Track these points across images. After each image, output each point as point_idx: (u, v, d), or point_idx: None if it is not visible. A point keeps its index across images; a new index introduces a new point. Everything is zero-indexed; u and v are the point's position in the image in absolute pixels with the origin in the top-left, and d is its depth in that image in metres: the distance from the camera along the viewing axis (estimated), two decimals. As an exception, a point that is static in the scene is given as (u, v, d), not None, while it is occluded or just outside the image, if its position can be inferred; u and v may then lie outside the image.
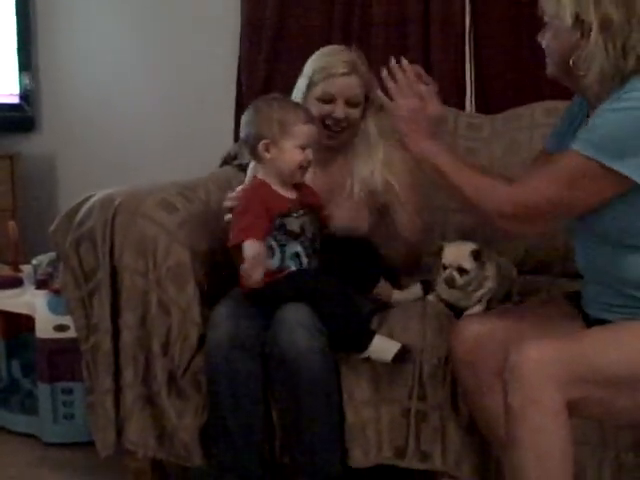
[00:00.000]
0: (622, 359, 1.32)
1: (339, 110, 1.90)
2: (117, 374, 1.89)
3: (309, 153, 1.77)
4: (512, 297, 1.90)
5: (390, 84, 1.56)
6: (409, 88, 1.56)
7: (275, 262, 1.76)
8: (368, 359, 1.72)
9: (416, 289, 1.88)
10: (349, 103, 1.91)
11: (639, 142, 1.32)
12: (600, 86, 1.41)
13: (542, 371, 1.28)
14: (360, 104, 1.93)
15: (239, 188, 1.86)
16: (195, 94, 2.81)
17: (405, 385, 1.74)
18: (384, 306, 1.86)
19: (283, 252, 1.76)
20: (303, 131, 1.76)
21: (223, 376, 1.76)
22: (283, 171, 1.77)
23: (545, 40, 1.49)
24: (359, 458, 1.76)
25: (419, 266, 1.99)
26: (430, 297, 1.86)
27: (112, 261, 1.88)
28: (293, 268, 1.77)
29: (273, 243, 1.75)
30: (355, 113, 1.93)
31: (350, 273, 1.81)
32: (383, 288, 1.88)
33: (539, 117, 2.27)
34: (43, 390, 2.25)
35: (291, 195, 1.78)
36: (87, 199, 1.96)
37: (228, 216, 1.82)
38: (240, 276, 1.73)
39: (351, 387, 1.76)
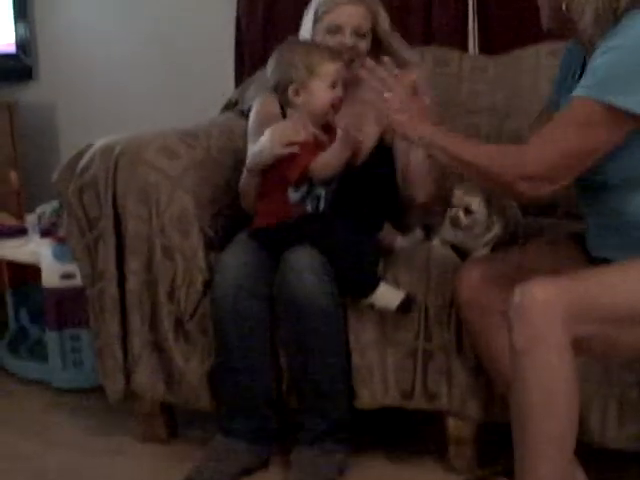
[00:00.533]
0: (626, 296, 1.32)
1: (347, 38, 1.86)
2: (124, 320, 1.91)
3: (339, 90, 1.78)
4: (518, 239, 1.89)
5: (374, 83, 1.54)
6: (394, 81, 1.53)
7: (296, 197, 1.77)
8: (372, 306, 1.73)
9: (418, 234, 1.88)
10: (357, 33, 1.87)
11: (637, 76, 1.30)
12: (595, 28, 1.38)
13: (547, 310, 1.28)
14: (367, 35, 1.89)
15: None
16: (194, 40, 2.76)
17: (411, 327, 1.75)
18: (389, 251, 1.86)
19: (308, 191, 1.77)
20: (329, 69, 1.76)
21: (230, 319, 1.77)
22: (316, 112, 1.78)
23: None
24: (366, 400, 1.78)
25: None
26: (435, 241, 1.86)
27: (115, 208, 1.88)
28: (309, 209, 1.78)
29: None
30: (363, 44, 1.89)
31: (358, 215, 1.81)
32: (388, 232, 1.87)
33: (543, 59, 2.23)
34: (52, 337, 2.27)
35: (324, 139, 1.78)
36: (88, 147, 1.95)
37: (280, 150, 1.75)
38: (257, 210, 1.78)
39: (357, 330, 1.78)
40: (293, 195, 1.77)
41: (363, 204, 1.85)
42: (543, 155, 1.38)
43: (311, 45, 1.84)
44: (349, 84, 1.90)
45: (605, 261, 1.47)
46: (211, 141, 2.08)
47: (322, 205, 1.79)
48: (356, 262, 1.73)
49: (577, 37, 1.46)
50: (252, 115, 2.00)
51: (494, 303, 1.53)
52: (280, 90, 1.80)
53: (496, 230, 1.82)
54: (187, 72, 2.78)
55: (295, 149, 1.73)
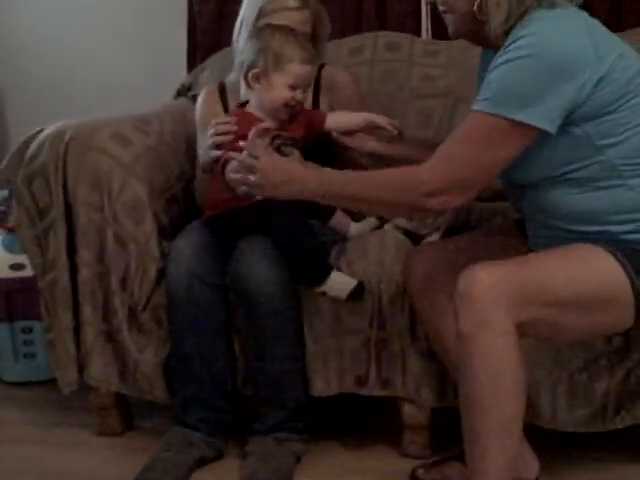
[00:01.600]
0: (568, 280, 1.33)
1: None
2: (76, 311, 1.88)
3: (298, 94, 1.73)
4: (470, 224, 1.91)
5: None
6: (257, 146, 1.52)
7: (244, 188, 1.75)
8: (324, 294, 1.73)
9: (372, 219, 1.87)
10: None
11: (531, 89, 1.30)
12: (504, 27, 1.37)
13: (491, 294, 1.29)
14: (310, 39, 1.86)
15: (222, 120, 1.80)
16: (147, 25, 2.73)
17: (365, 315, 1.75)
18: (343, 238, 1.86)
19: None
20: (296, 70, 1.71)
21: (184, 309, 1.76)
22: (266, 106, 1.75)
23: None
24: (321, 387, 1.78)
25: None
26: (388, 227, 1.86)
27: (66, 197, 1.84)
28: (259, 198, 1.76)
29: None
30: None
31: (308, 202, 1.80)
32: (340, 219, 1.86)
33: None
34: (2, 330, 2.23)
35: (273, 125, 1.74)
36: (37, 134, 1.91)
37: (216, 153, 1.76)
38: (208, 200, 1.76)
39: (311, 318, 1.77)
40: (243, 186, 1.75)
41: None
42: (441, 171, 1.37)
43: (290, 39, 1.73)
44: None
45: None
46: (164, 127, 2.06)
47: None
48: (305, 250, 1.73)
49: (484, 42, 1.46)
50: (196, 111, 2.00)
51: (444, 289, 1.53)
52: (244, 69, 1.75)
53: (447, 215, 1.84)
54: (140, 57, 2.74)
55: (214, 154, 1.73)
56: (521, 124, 1.31)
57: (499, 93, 1.32)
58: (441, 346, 1.62)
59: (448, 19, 1.48)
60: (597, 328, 1.40)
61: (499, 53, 1.36)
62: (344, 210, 1.87)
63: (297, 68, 1.71)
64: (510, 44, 1.33)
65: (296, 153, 1.60)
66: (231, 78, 1.99)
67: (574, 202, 1.40)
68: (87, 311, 1.86)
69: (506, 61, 1.32)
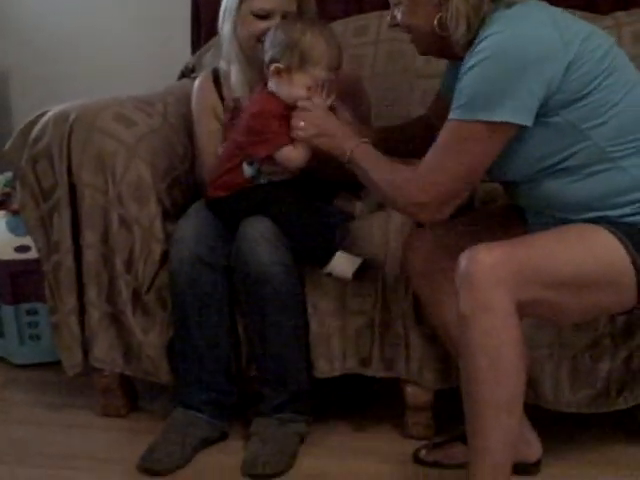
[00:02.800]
0: (568, 260, 1.33)
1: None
2: (81, 293, 1.88)
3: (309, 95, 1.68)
4: (474, 205, 1.90)
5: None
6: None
7: (249, 172, 1.75)
8: (330, 274, 1.73)
9: (373, 200, 1.85)
10: (284, 17, 1.81)
11: (500, 88, 1.30)
12: (467, 35, 1.38)
13: (491, 275, 1.29)
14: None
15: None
16: (150, 7, 2.71)
17: (369, 296, 1.75)
18: (349, 218, 1.85)
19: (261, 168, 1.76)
20: (319, 74, 1.66)
21: (188, 291, 1.76)
22: (281, 95, 1.70)
23: (402, 20, 1.47)
24: (324, 368, 1.78)
25: None
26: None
27: (70, 178, 1.84)
28: (263, 182, 1.76)
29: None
30: None
31: (310, 183, 1.80)
32: (344, 200, 1.85)
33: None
34: (7, 312, 2.23)
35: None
36: (41, 115, 1.90)
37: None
38: (208, 184, 1.76)
39: (315, 299, 1.77)
40: (247, 169, 1.75)
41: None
42: (427, 185, 1.39)
43: (321, 39, 1.68)
44: None
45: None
46: (168, 108, 2.05)
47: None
48: (308, 231, 1.72)
49: (453, 55, 1.46)
50: (193, 99, 1.98)
51: (444, 271, 1.53)
52: (268, 60, 1.71)
53: None
54: (144, 38, 2.72)
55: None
56: (498, 124, 1.32)
57: (470, 98, 1.33)
58: (443, 328, 1.62)
59: (413, 39, 1.50)
60: (600, 308, 1.40)
61: (465, 59, 1.37)
62: (349, 191, 1.87)
63: (321, 72, 1.67)
64: (474, 49, 1.35)
65: (346, 114, 1.69)
66: (222, 66, 1.95)
67: (568, 192, 1.40)
68: (92, 293, 1.87)
69: (472, 66, 1.33)
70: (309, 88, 1.66)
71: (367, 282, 1.75)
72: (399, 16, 1.48)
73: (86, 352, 1.90)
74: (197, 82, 1.99)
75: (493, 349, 1.30)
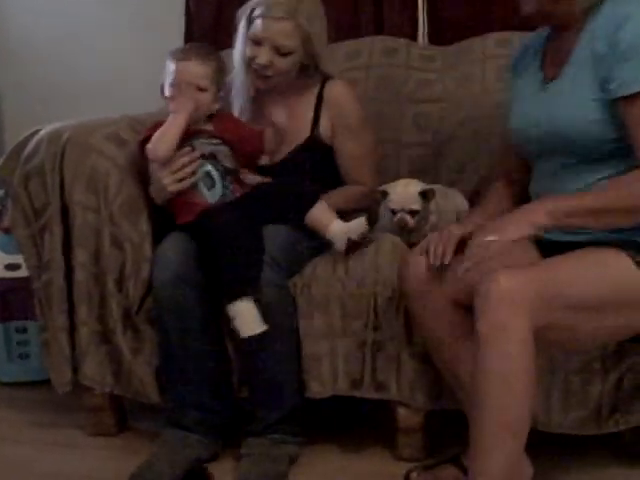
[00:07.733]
0: (588, 285, 1.34)
1: (262, 55, 1.84)
2: (71, 312, 1.87)
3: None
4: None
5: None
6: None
7: (215, 194, 1.80)
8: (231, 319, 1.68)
9: (360, 222, 1.77)
10: (277, 51, 1.84)
11: None
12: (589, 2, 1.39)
13: (511, 298, 1.29)
14: (291, 54, 1.85)
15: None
16: (145, 25, 2.73)
17: (360, 317, 1.76)
18: (324, 245, 1.81)
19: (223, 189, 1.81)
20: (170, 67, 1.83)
21: (171, 311, 1.76)
22: None
23: None
24: (315, 389, 1.78)
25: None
26: (381, 230, 1.88)
27: (62, 197, 1.84)
28: (205, 190, 1.79)
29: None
30: (283, 63, 1.85)
31: (284, 195, 1.81)
32: (320, 215, 1.79)
33: (491, 49, 2.26)
34: (-4, 329, 2.23)
35: (204, 126, 1.84)
36: (34, 133, 1.90)
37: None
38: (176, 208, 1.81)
39: (307, 320, 1.78)
40: (208, 194, 1.80)
41: (285, 184, 1.85)
42: None
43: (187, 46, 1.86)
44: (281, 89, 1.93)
45: (555, 244, 1.48)
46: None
47: (218, 183, 1.82)
48: (233, 261, 1.69)
49: (558, 21, 1.46)
50: None
51: (438, 292, 1.54)
52: None
53: (433, 219, 1.91)
54: (138, 54, 2.73)
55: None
56: None
57: None
58: (436, 349, 1.63)
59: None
60: (617, 332, 1.42)
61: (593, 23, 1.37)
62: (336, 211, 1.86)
63: (170, 65, 1.87)
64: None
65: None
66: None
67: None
68: (82, 312, 1.86)
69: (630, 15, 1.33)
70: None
71: (359, 304, 1.75)
72: None
73: (76, 371, 1.89)
74: None
75: (506, 374, 1.31)
